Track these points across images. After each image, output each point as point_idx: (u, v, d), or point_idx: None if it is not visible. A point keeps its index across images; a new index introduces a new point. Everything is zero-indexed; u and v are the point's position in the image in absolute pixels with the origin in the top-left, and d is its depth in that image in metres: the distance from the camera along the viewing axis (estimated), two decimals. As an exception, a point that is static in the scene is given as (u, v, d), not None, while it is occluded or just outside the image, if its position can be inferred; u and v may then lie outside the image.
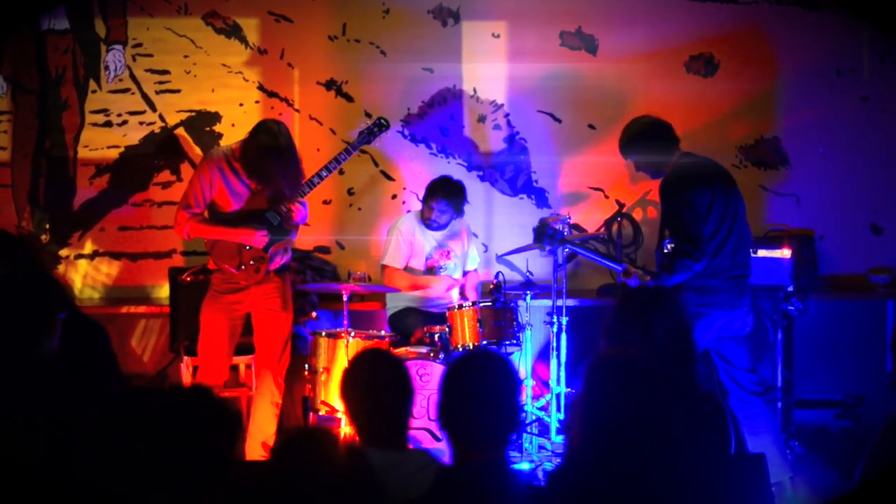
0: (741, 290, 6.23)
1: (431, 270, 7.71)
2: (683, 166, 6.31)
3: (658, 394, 3.68)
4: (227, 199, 6.70)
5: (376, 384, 4.01)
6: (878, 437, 4.07)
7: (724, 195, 6.22)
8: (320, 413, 6.86)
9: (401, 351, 7.04)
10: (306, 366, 7.02)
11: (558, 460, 6.73)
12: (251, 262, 6.70)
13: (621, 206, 8.64)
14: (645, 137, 6.42)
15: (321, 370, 6.86)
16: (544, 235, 6.74)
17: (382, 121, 7.26)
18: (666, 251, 6.39)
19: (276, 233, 6.73)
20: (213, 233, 6.72)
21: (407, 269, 7.68)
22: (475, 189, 8.47)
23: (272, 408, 6.88)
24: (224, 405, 3.41)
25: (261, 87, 8.61)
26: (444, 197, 7.58)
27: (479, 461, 3.61)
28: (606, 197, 8.72)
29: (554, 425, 7.26)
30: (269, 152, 6.55)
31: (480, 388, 3.65)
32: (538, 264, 8.18)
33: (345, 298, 6.97)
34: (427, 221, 7.66)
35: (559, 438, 7.15)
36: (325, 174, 6.86)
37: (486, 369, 3.72)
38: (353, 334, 6.85)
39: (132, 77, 8.61)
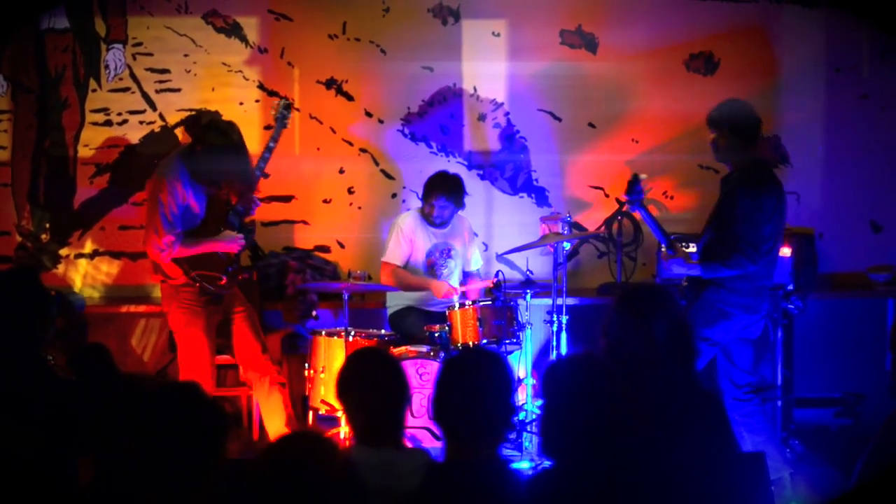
0: (763, 296, 6.24)
1: (432, 268, 7.70)
2: (759, 168, 6.27)
3: (634, 392, 3.69)
4: (195, 209, 6.45)
5: (370, 383, 4.02)
6: (879, 434, 4.08)
7: (783, 204, 6.21)
8: (320, 412, 6.86)
9: (401, 350, 7.03)
10: (306, 365, 7.02)
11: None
12: (230, 269, 6.57)
13: (621, 204, 8.63)
14: (742, 120, 6.28)
15: (321, 369, 6.86)
16: (634, 190, 6.63)
17: (285, 103, 7.05)
18: (705, 243, 6.33)
19: (242, 232, 6.60)
20: (200, 247, 6.46)
21: (407, 266, 7.68)
22: (475, 188, 8.47)
23: (278, 390, 6.75)
24: (211, 401, 3.42)
25: (261, 86, 8.60)
26: (443, 193, 7.58)
27: (472, 457, 3.63)
28: (606, 195, 8.72)
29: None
30: (221, 151, 6.33)
31: (474, 384, 3.70)
32: (538, 263, 8.18)
33: (345, 297, 6.96)
34: (429, 218, 7.66)
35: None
36: (264, 161, 6.70)
37: (480, 365, 3.76)
38: (352, 333, 6.85)
39: (132, 76, 8.60)
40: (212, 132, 6.41)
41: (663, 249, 6.46)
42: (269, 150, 6.77)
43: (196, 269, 6.47)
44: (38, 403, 4.04)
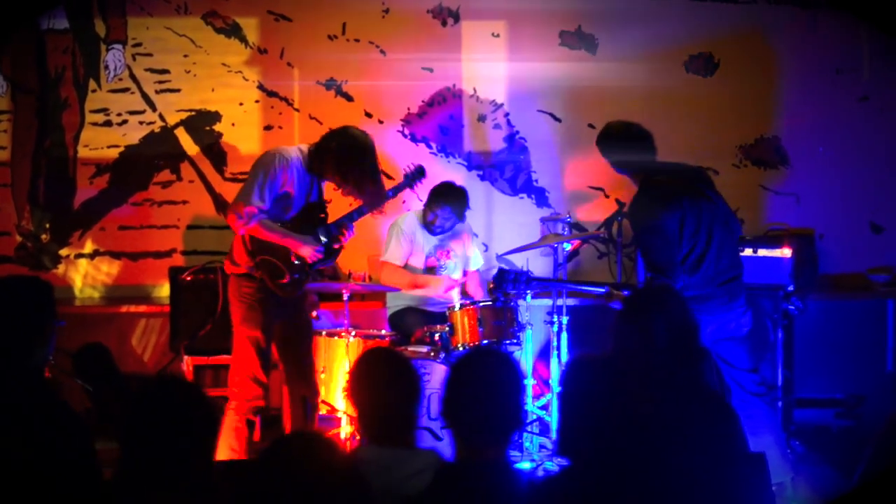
0: (733, 292, 6.12)
1: (431, 270, 7.70)
2: (648, 190, 6.10)
3: (640, 394, 3.69)
4: (290, 203, 6.27)
5: (384, 382, 4.01)
6: (880, 435, 4.07)
7: (694, 208, 6.00)
8: (320, 412, 6.85)
9: (401, 350, 7.02)
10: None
11: (557, 462, 6.72)
12: (296, 276, 6.26)
13: (621, 205, 8.63)
14: (613, 137, 6.24)
15: (321, 369, 6.86)
16: (505, 282, 6.58)
17: (420, 169, 6.95)
18: (648, 276, 6.26)
19: (323, 251, 6.34)
20: (277, 235, 6.19)
21: (406, 267, 7.67)
22: (475, 188, 8.46)
23: (306, 410, 6.46)
24: (202, 393, 3.40)
25: (261, 87, 8.61)
26: (448, 204, 7.57)
27: (481, 458, 3.62)
28: (607, 196, 8.72)
29: (554, 425, 7.25)
30: (364, 151, 6.33)
31: (485, 385, 3.68)
32: (538, 264, 8.18)
33: (345, 298, 6.95)
34: (429, 226, 7.65)
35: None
36: (365, 211, 6.52)
37: (491, 367, 3.74)
38: (353, 334, 6.84)
39: (132, 76, 8.60)
40: (349, 131, 6.39)
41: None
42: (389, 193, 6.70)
43: (263, 254, 6.19)
44: (28, 417, 4.00)
